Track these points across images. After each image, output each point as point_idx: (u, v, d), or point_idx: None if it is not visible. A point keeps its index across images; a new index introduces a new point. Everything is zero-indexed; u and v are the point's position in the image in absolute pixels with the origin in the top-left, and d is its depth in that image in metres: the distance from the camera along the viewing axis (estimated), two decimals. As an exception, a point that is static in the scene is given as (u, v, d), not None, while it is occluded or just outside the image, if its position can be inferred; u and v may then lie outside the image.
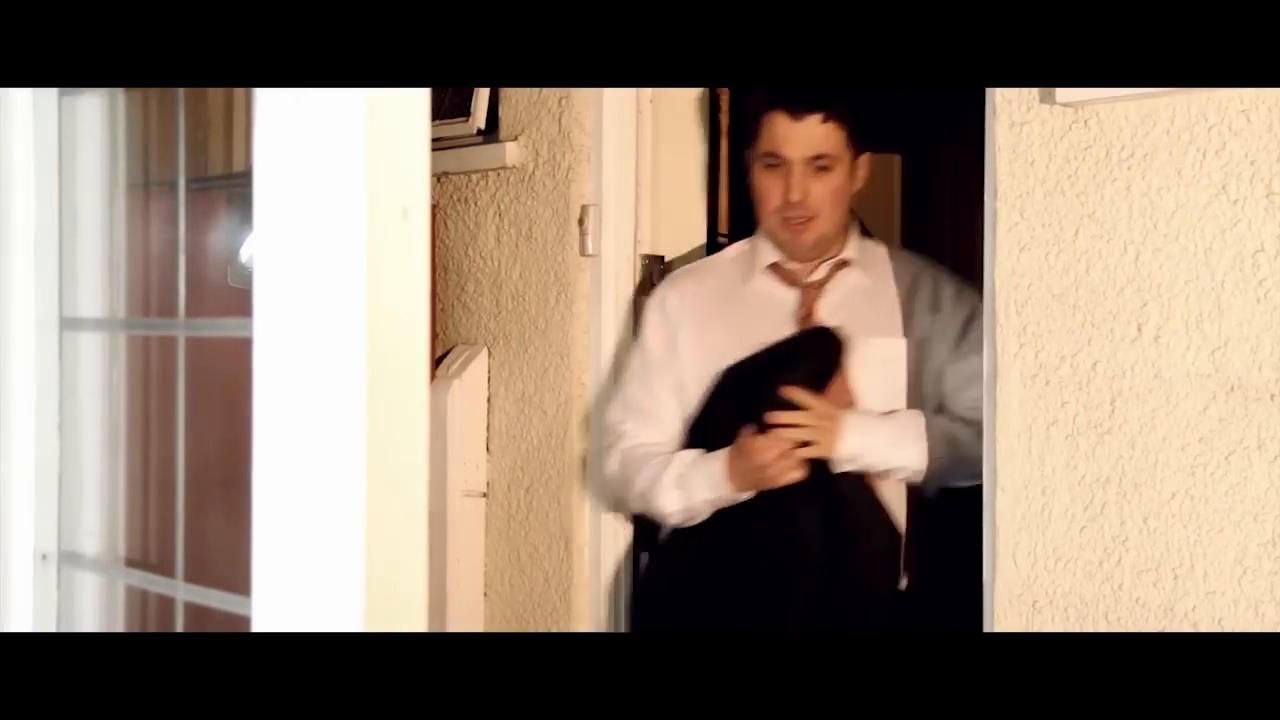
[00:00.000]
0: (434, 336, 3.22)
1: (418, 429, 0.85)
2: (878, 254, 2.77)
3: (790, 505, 2.55)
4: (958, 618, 2.34)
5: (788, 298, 2.69)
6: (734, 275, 2.76)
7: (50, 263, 1.09)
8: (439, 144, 3.05)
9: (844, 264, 2.70)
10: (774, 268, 2.71)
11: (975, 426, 2.27)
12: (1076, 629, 2.03)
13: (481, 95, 3.16)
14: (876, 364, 2.64)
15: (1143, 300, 1.96)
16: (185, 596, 0.99)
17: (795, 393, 2.53)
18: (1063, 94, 2.00)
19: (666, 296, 2.79)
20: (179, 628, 0.99)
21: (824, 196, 2.60)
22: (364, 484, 0.81)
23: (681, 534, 2.67)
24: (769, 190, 2.63)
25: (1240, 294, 1.87)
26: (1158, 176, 1.95)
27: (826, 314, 2.66)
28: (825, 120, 2.58)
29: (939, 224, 5.09)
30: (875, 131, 2.80)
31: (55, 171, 1.10)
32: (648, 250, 3.02)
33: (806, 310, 2.68)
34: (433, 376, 3.13)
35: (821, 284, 2.69)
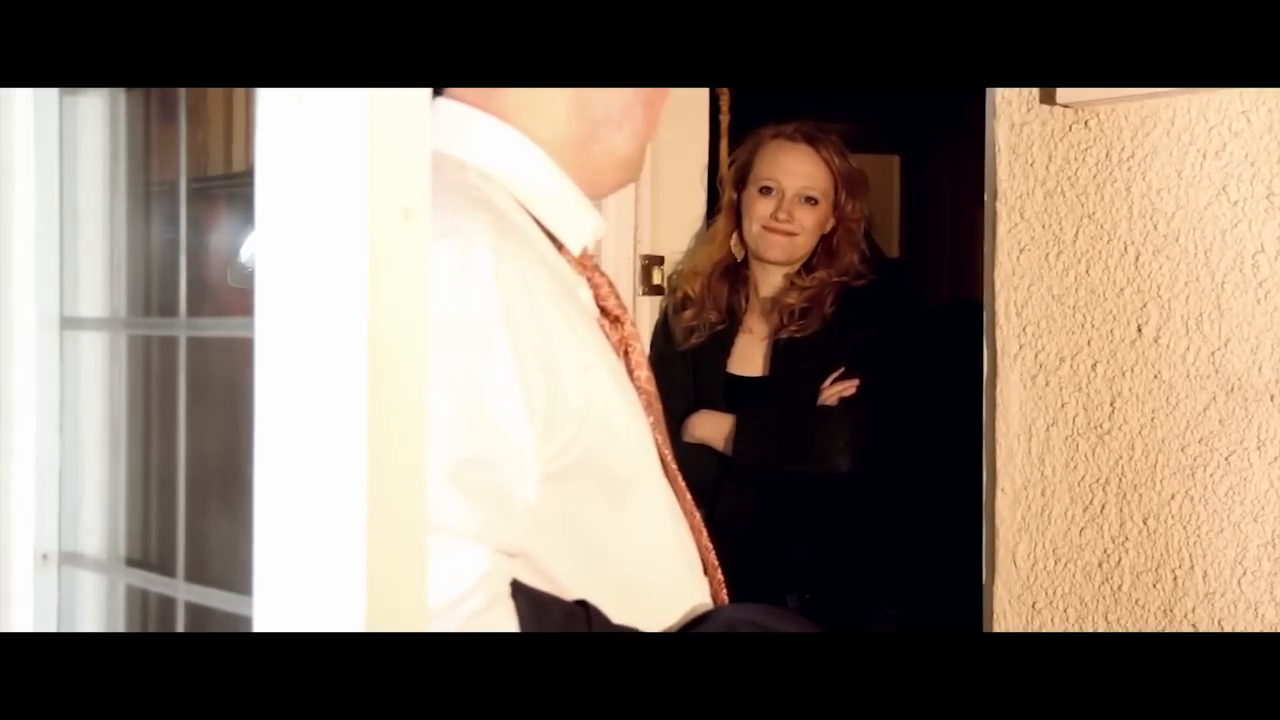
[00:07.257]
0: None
1: (419, 428, 0.85)
2: None
3: None
4: None
5: None
6: None
7: (51, 262, 1.10)
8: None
9: None
10: None
11: None
12: (1076, 629, 2.03)
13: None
14: None
15: (1143, 301, 1.96)
16: (186, 596, 0.99)
17: None
18: (1063, 94, 2.00)
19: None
20: (180, 628, 0.99)
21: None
22: (365, 483, 0.81)
23: None
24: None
25: (1240, 295, 1.87)
26: (1158, 177, 1.95)
27: None
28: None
29: (939, 224, 5.10)
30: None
31: (56, 171, 1.10)
32: (648, 250, 3.02)
33: None
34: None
35: None
